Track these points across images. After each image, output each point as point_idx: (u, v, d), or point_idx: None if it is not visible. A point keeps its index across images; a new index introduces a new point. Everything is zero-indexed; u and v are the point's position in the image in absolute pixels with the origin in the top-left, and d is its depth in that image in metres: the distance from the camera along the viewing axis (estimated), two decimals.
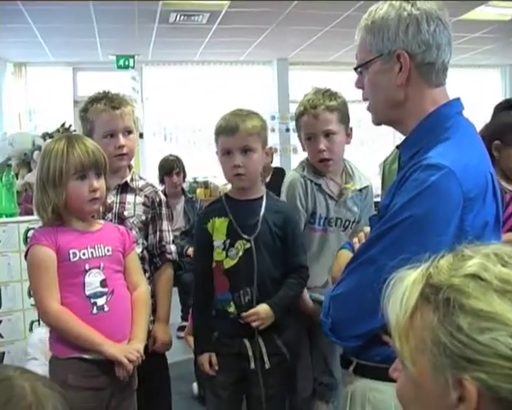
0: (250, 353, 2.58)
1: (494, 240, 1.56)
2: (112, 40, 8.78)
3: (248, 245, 2.56)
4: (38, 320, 3.24)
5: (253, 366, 2.58)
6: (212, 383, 2.65)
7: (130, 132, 2.75)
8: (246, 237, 2.56)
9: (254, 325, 2.53)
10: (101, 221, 2.46)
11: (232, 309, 2.56)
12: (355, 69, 1.79)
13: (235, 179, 2.61)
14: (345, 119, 2.87)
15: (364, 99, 1.80)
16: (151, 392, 2.64)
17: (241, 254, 2.55)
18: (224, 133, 2.57)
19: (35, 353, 3.02)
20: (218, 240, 2.57)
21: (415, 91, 1.68)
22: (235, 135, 2.54)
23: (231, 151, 2.56)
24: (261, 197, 2.68)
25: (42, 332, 3.09)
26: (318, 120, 2.79)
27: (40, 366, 2.96)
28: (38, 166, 2.34)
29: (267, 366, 2.58)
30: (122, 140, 2.69)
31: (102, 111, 2.69)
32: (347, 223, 2.87)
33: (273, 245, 2.61)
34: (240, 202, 2.64)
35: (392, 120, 1.78)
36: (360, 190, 2.90)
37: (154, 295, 2.76)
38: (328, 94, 2.88)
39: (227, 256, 2.56)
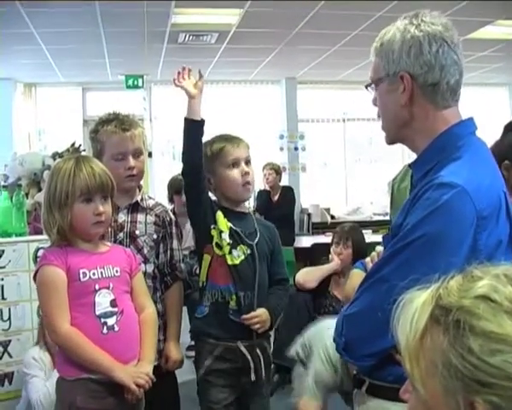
0: (252, 365, 2.65)
1: (508, 260, 1.56)
2: (121, 60, 8.85)
3: (249, 251, 2.67)
4: (38, 341, 3.22)
5: (253, 377, 2.65)
6: (211, 401, 2.67)
7: (140, 154, 2.77)
8: (249, 242, 2.68)
9: (255, 327, 2.63)
10: (108, 243, 2.47)
11: (233, 304, 2.63)
12: (366, 87, 1.82)
13: (244, 189, 2.73)
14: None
15: (379, 116, 1.84)
16: None
17: (242, 257, 2.65)
18: (231, 147, 2.71)
19: (34, 371, 3.04)
20: (225, 233, 2.65)
21: (420, 111, 1.69)
22: (240, 146, 2.73)
23: (238, 162, 2.71)
24: (249, 212, 2.87)
25: (35, 350, 3.11)
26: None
27: (42, 381, 2.99)
28: (46, 186, 2.35)
29: (263, 377, 2.70)
30: (132, 162, 2.70)
31: (113, 133, 2.70)
32: None
33: (267, 255, 2.76)
34: (234, 212, 2.74)
35: (403, 139, 1.79)
36: None
37: (164, 314, 2.78)
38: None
39: (230, 253, 2.64)
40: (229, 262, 2.63)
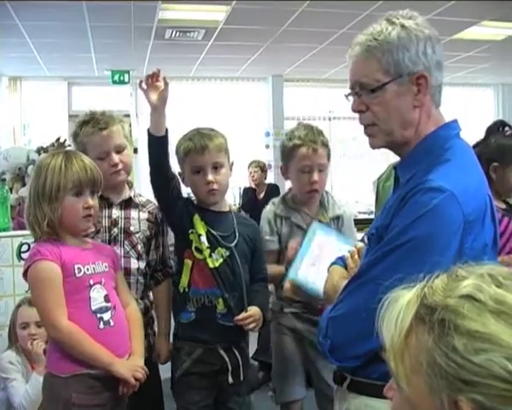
0: (230, 367, 2.66)
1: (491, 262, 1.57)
2: (107, 55, 8.81)
3: (228, 253, 2.65)
4: (10, 339, 3.18)
5: (231, 380, 2.66)
6: (188, 402, 2.67)
7: (122, 149, 2.75)
8: (227, 244, 2.66)
9: (250, 327, 2.63)
10: (90, 240, 2.47)
11: (221, 307, 2.63)
12: (372, 91, 1.69)
13: (209, 195, 2.68)
14: (329, 155, 3.06)
15: (366, 123, 1.75)
16: (143, 408, 2.63)
17: (221, 260, 2.64)
18: (195, 152, 2.64)
19: (13, 375, 3.01)
20: (203, 236, 2.63)
21: (424, 113, 1.68)
22: (205, 153, 2.63)
23: (203, 169, 2.65)
24: (229, 211, 2.83)
25: (10, 355, 3.09)
26: (316, 154, 2.93)
27: (22, 383, 2.98)
28: (33, 181, 2.33)
29: (242, 377, 2.70)
30: (115, 158, 2.68)
31: (92, 134, 2.68)
32: None
33: (247, 255, 2.74)
34: (213, 212, 2.72)
35: (404, 142, 1.72)
36: (334, 219, 3.06)
37: (149, 309, 2.83)
38: (319, 131, 3.04)
39: (210, 256, 2.62)
40: (211, 265, 2.61)
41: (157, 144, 2.56)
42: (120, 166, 2.71)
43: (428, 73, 1.65)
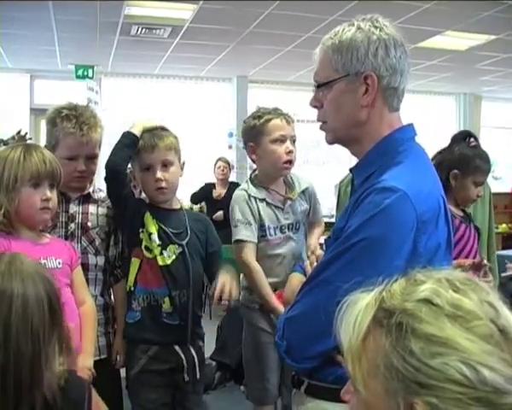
0: (185, 364, 2.67)
1: (445, 262, 1.60)
2: (72, 50, 8.70)
3: (180, 249, 2.67)
4: None
5: (187, 377, 2.68)
6: (145, 400, 2.67)
7: (93, 157, 2.72)
8: (178, 241, 2.67)
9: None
10: (48, 235, 2.43)
11: (167, 306, 2.63)
12: (318, 86, 1.77)
13: (158, 193, 2.70)
14: None
15: (320, 119, 1.81)
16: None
17: (174, 257, 2.65)
18: (144, 150, 2.68)
19: None
20: (154, 234, 2.64)
21: (376, 114, 1.70)
22: (155, 151, 2.67)
23: (152, 167, 2.67)
24: (180, 208, 2.85)
25: None
26: (289, 125, 3.02)
27: None
28: None
29: (198, 375, 2.72)
30: (83, 165, 2.66)
31: (70, 134, 2.62)
32: (298, 224, 3.07)
33: (200, 251, 2.77)
34: (164, 210, 2.74)
35: (351, 140, 1.77)
36: (303, 192, 3.13)
37: (110, 307, 2.79)
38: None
39: (161, 254, 2.63)
40: (161, 263, 2.62)
41: (135, 142, 2.65)
42: (85, 174, 2.69)
43: (377, 74, 1.66)
